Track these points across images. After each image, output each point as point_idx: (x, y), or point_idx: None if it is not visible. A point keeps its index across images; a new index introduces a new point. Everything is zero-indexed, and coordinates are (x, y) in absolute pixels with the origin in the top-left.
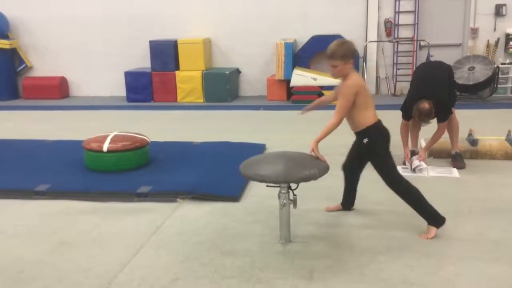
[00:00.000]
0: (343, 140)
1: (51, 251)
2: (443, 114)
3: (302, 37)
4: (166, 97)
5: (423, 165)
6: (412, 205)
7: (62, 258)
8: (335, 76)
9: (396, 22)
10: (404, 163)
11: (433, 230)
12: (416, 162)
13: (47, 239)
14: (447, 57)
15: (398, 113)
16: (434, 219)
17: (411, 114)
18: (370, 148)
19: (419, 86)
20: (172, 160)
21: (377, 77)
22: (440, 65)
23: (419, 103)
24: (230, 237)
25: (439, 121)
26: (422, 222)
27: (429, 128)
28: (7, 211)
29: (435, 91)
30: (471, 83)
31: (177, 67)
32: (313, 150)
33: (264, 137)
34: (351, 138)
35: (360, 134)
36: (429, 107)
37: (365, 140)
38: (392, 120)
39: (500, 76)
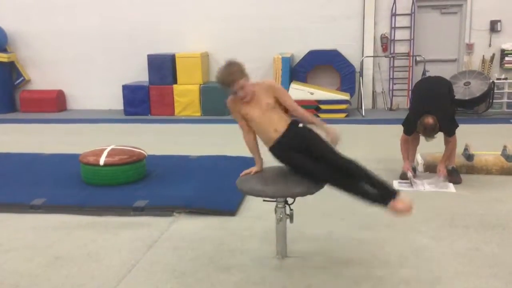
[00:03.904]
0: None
1: (47, 266)
2: (450, 128)
3: (299, 51)
4: (164, 111)
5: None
6: (369, 180)
7: (57, 273)
8: (248, 96)
9: (392, 38)
10: (401, 178)
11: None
12: (441, 179)
13: (42, 253)
14: (443, 72)
15: (395, 127)
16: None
17: (415, 130)
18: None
19: (421, 102)
20: (168, 174)
21: (374, 92)
22: (440, 80)
23: (423, 118)
24: (226, 252)
25: (447, 136)
26: (420, 236)
27: (427, 144)
28: (2, 225)
29: (438, 106)
30: (466, 98)
31: (174, 81)
32: None
33: (260, 152)
34: (350, 151)
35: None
36: (433, 122)
37: (301, 124)
38: (389, 134)
39: (495, 91)
